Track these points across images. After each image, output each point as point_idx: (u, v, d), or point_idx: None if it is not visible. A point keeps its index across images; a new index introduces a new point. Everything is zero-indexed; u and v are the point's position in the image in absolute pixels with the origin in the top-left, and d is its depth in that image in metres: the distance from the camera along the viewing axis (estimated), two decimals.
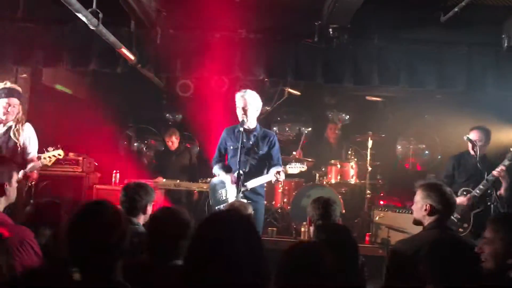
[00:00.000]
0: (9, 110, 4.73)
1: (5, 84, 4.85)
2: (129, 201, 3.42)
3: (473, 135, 5.22)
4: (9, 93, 4.76)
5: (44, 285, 1.95)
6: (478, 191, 5.04)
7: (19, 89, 4.94)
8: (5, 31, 5.89)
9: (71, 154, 6.58)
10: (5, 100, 4.73)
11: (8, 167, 3.03)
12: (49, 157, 4.81)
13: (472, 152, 5.27)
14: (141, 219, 3.38)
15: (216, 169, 5.05)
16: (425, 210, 3.04)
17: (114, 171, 6.76)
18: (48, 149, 4.86)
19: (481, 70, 5.87)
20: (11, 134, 4.76)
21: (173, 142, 7.54)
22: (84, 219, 2.04)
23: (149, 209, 3.49)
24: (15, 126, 4.79)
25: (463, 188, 5.17)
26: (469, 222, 5.03)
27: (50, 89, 7.21)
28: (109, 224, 2.01)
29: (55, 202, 3.57)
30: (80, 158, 6.46)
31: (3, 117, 4.75)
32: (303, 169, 5.09)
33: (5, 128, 4.80)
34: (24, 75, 6.62)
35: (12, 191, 3.04)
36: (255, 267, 1.66)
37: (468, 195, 5.09)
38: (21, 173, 4.48)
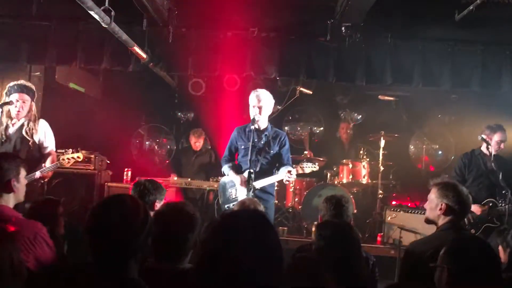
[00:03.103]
0: (20, 105, 4.76)
1: (19, 81, 4.89)
2: (139, 196, 3.43)
3: (499, 136, 5.18)
4: (20, 89, 4.80)
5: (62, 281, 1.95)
6: (503, 209, 4.97)
7: (32, 86, 4.96)
8: (19, 29, 5.96)
9: (83, 152, 6.61)
10: (16, 95, 4.77)
11: (14, 163, 3.02)
12: (68, 158, 4.83)
13: (486, 152, 5.22)
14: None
15: (225, 168, 5.03)
16: (440, 209, 2.97)
17: (126, 169, 6.78)
18: (67, 150, 4.90)
19: (496, 70, 5.79)
20: (23, 132, 4.78)
21: (200, 143, 7.55)
22: (104, 210, 2.04)
23: (158, 206, 3.49)
24: (27, 125, 4.81)
25: (489, 199, 5.08)
26: (477, 230, 4.95)
27: (63, 87, 7.26)
28: (128, 214, 2.00)
29: (54, 199, 3.59)
30: (92, 156, 6.48)
31: (15, 113, 4.78)
32: (314, 169, 5.10)
33: (18, 125, 4.83)
34: (38, 73, 6.67)
35: (20, 187, 3.03)
36: (271, 269, 1.59)
37: (485, 207, 5.03)
38: (38, 173, 4.60)
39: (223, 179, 5.10)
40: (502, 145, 5.22)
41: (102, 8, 4.58)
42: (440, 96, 7.78)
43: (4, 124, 4.80)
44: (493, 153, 5.16)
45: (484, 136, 5.22)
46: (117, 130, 7.86)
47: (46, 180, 4.95)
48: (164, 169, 7.89)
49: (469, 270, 2.00)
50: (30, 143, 4.78)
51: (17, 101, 4.75)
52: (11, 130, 4.81)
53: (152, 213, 3.31)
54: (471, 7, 5.05)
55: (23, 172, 3.06)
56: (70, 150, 4.91)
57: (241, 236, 1.54)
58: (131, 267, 1.99)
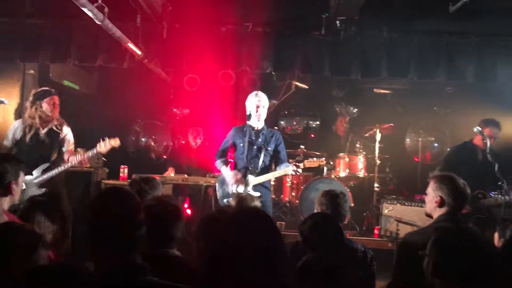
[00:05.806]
0: (54, 106, 5.14)
1: (46, 87, 5.29)
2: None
3: (495, 130, 5.19)
4: (51, 93, 5.16)
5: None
6: (492, 200, 5.01)
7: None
8: (13, 27, 5.93)
9: (79, 150, 6.59)
10: (51, 97, 5.12)
11: (16, 166, 3.02)
12: (105, 145, 5.20)
13: (479, 144, 5.25)
14: None
15: (219, 163, 5.13)
16: (436, 202, 2.99)
17: (122, 166, 6.76)
18: (105, 138, 5.25)
19: (490, 61, 5.82)
20: (54, 128, 5.18)
21: (196, 143, 7.53)
22: (103, 201, 2.04)
23: None
24: (57, 123, 5.23)
25: (478, 191, 5.09)
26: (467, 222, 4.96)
27: (58, 85, 7.21)
28: (131, 205, 2.02)
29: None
30: None
31: (50, 113, 5.12)
32: (322, 163, 5.28)
33: (49, 127, 5.16)
34: (32, 71, 6.64)
35: (18, 190, 3.03)
36: (278, 266, 1.62)
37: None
38: (79, 157, 5.25)
39: (221, 175, 5.14)
40: (495, 137, 5.23)
41: (96, 5, 4.55)
42: (435, 89, 7.80)
43: (36, 126, 5.12)
44: (488, 145, 5.19)
45: (479, 129, 5.24)
46: (113, 127, 7.83)
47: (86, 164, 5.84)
48: (160, 165, 7.86)
49: (453, 260, 1.97)
50: (57, 141, 5.22)
51: (52, 101, 5.13)
52: (43, 131, 5.14)
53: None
54: None
55: (22, 176, 3.08)
56: (108, 138, 5.27)
57: (247, 239, 1.56)
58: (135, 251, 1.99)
